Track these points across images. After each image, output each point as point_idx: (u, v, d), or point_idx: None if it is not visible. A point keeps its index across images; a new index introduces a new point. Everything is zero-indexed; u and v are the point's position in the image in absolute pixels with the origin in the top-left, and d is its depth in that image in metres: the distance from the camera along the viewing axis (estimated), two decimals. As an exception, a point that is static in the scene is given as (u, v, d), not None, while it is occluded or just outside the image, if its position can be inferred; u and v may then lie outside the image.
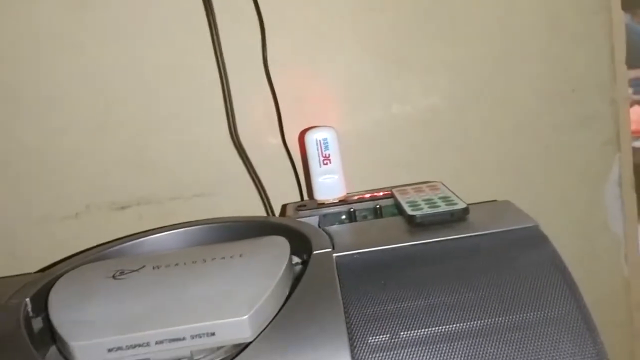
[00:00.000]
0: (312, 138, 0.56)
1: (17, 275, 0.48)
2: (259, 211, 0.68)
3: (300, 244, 0.47)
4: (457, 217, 0.46)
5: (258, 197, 0.69)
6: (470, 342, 0.37)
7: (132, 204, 0.71)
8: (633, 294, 0.75)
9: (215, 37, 0.64)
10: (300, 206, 0.58)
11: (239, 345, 0.39)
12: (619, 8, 0.68)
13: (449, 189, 0.53)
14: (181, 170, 0.69)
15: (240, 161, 0.67)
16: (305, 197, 0.68)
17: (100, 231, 0.71)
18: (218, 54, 0.64)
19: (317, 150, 0.56)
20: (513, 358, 0.36)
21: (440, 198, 0.49)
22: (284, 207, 0.64)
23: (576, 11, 0.68)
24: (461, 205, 0.47)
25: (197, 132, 0.67)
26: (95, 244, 0.62)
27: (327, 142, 0.55)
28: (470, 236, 0.44)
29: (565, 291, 0.38)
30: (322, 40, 0.66)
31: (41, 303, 0.44)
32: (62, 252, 0.69)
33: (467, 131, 0.69)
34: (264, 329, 0.39)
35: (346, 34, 0.66)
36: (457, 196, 0.50)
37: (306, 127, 0.64)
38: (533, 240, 0.42)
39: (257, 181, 0.63)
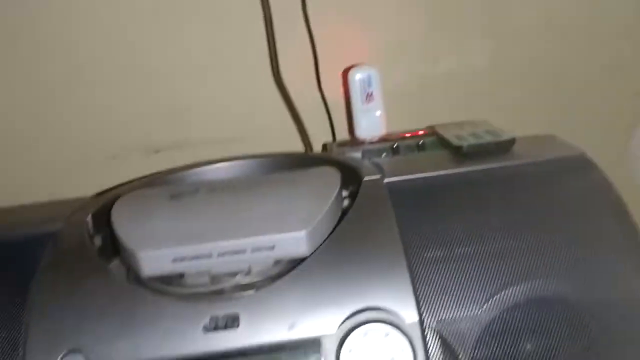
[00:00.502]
0: (355, 75, 0.57)
1: (73, 199, 0.50)
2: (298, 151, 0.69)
3: (348, 175, 0.48)
4: (503, 148, 0.47)
5: (295, 142, 0.71)
6: (517, 258, 0.39)
7: (166, 147, 0.72)
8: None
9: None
10: (342, 144, 0.60)
11: (295, 261, 0.41)
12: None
13: (490, 124, 0.54)
14: (217, 115, 0.71)
15: (276, 106, 0.69)
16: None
17: (136, 173, 0.73)
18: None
19: (360, 87, 0.57)
20: (560, 272, 0.38)
21: (485, 131, 0.50)
22: (324, 146, 0.65)
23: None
24: (507, 136, 0.48)
25: (235, 77, 0.69)
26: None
27: (370, 80, 0.56)
28: (518, 164, 0.45)
29: (615, 210, 0.40)
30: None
31: (100, 222, 0.46)
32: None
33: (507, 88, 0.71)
34: (320, 244, 0.41)
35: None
36: (500, 129, 0.51)
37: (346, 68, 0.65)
38: (581, 166, 0.44)
39: (298, 121, 0.64)
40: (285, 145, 0.70)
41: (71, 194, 0.72)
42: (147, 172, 0.69)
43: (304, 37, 0.66)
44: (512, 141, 0.48)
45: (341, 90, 0.68)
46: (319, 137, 0.71)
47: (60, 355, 0.36)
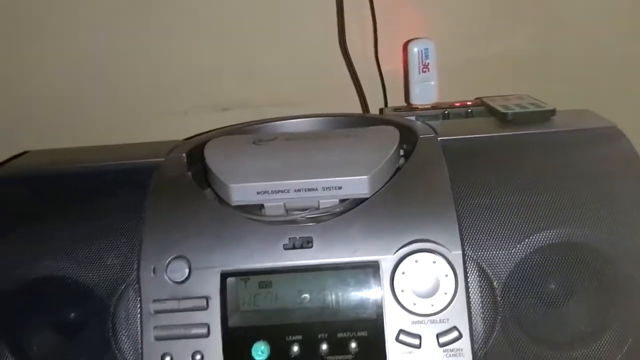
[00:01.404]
0: (414, 47, 0.64)
1: (166, 141, 0.59)
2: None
3: (405, 133, 0.55)
4: (544, 116, 0.54)
5: (353, 106, 0.77)
6: (549, 208, 0.46)
7: (233, 106, 0.80)
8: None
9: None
10: (397, 109, 0.66)
11: (357, 201, 0.48)
12: None
13: (534, 98, 0.60)
14: (283, 78, 0.78)
15: (339, 72, 0.75)
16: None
17: (204, 129, 0.81)
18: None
19: (418, 58, 0.63)
20: (586, 221, 0.45)
21: (529, 102, 0.57)
22: (381, 110, 0.72)
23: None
24: (548, 107, 0.55)
25: (303, 43, 0.76)
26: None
27: (427, 52, 0.63)
28: (556, 131, 0.52)
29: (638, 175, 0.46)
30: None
31: (193, 159, 0.54)
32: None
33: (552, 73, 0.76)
34: (380, 188, 0.48)
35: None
36: (543, 102, 0.57)
37: (404, 42, 0.71)
38: (611, 135, 0.50)
39: (358, 87, 0.71)
40: (345, 108, 0.77)
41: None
42: (215, 128, 0.77)
43: (368, 11, 0.72)
44: (552, 111, 0.54)
45: (396, 62, 0.75)
46: (373, 104, 0.78)
47: (168, 260, 0.45)
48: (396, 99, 0.76)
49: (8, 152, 0.67)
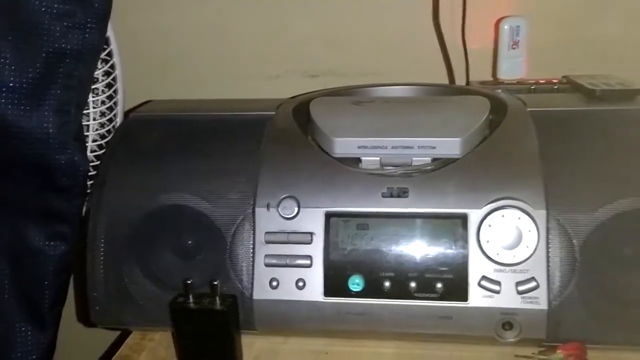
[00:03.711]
0: (506, 24, 0.67)
1: (273, 99, 0.65)
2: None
3: (495, 105, 0.59)
4: (631, 95, 0.57)
5: (439, 80, 0.81)
6: (629, 178, 0.49)
7: (322, 74, 0.86)
8: None
9: None
10: (484, 82, 0.70)
11: (448, 161, 0.53)
12: None
13: (620, 79, 0.63)
14: (373, 49, 0.82)
15: (429, 48, 0.79)
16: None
17: (294, 93, 0.87)
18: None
19: (509, 35, 0.67)
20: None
21: (615, 82, 0.60)
22: (467, 83, 0.76)
23: None
24: (635, 86, 0.57)
25: (396, 16, 0.80)
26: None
27: (518, 29, 0.67)
28: (641, 109, 0.55)
29: None
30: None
31: (298, 115, 0.60)
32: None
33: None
34: (471, 150, 0.53)
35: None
36: (629, 82, 0.60)
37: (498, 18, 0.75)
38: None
39: (448, 61, 0.75)
40: (431, 80, 0.81)
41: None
42: (304, 92, 0.83)
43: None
44: (638, 90, 0.57)
45: (483, 40, 0.78)
46: (458, 78, 0.81)
47: (280, 198, 0.52)
48: (479, 77, 0.80)
49: (132, 102, 0.76)
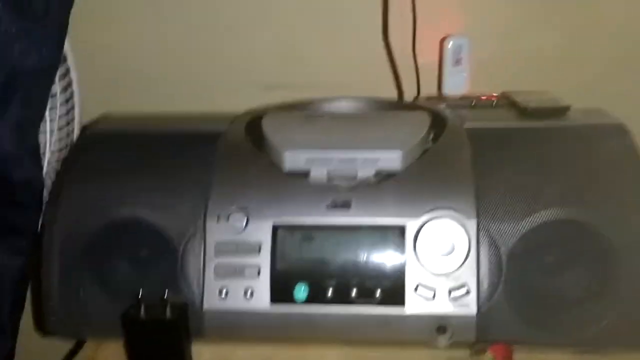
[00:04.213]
0: (449, 42, 0.71)
1: (227, 112, 0.67)
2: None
3: (436, 119, 0.62)
4: (560, 112, 0.61)
5: (389, 93, 0.85)
6: (554, 189, 0.53)
7: (278, 87, 0.88)
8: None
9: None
10: (430, 98, 0.74)
11: (391, 173, 0.56)
12: None
13: (554, 95, 0.67)
14: (328, 64, 0.85)
15: (379, 62, 0.83)
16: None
17: (250, 105, 0.87)
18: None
19: (452, 52, 0.71)
20: (584, 203, 0.52)
21: (547, 99, 0.64)
22: (415, 98, 0.80)
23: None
24: (564, 103, 0.62)
25: (348, 33, 0.83)
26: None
27: (461, 47, 0.71)
28: (568, 125, 0.59)
29: (636, 168, 0.53)
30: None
31: (251, 129, 0.62)
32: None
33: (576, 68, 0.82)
34: (411, 163, 0.56)
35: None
36: (561, 99, 0.64)
37: (442, 36, 0.78)
38: (617, 132, 0.57)
39: (396, 76, 0.78)
40: (381, 95, 0.85)
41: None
42: (261, 105, 0.85)
43: (409, 5, 0.79)
44: (567, 108, 0.61)
45: (432, 55, 0.82)
46: (408, 92, 0.85)
47: (231, 210, 0.55)
48: (428, 90, 0.84)
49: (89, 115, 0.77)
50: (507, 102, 0.69)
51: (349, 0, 0.83)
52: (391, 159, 0.56)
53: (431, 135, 0.61)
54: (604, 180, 0.54)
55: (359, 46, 0.84)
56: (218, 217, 0.55)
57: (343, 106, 0.69)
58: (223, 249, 0.54)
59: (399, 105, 0.68)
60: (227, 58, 0.86)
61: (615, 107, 0.65)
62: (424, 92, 0.83)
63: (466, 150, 0.56)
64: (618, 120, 0.59)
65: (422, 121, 0.61)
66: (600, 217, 0.52)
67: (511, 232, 0.53)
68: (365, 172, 0.57)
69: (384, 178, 0.56)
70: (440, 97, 0.74)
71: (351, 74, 0.85)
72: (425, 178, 0.55)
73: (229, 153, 0.59)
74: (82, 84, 0.70)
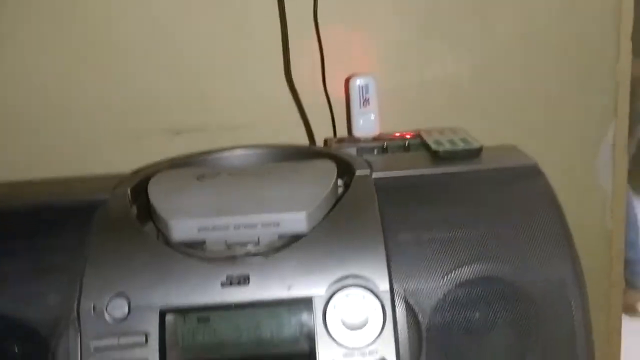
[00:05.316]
0: (355, 82, 0.67)
1: (113, 174, 0.60)
2: (303, 144, 0.79)
3: (344, 168, 0.58)
4: (472, 154, 0.57)
5: (299, 133, 0.80)
6: (471, 244, 0.49)
7: (186, 130, 0.82)
8: (614, 245, 0.87)
9: None
10: (340, 140, 0.69)
11: (295, 236, 0.50)
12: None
13: (467, 132, 0.64)
14: (233, 105, 0.80)
15: (286, 101, 0.78)
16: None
17: (158, 153, 0.80)
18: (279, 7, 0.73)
19: (359, 93, 0.66)
20: (503, 256, 0.49)
21: (459, 139, 0.60)
22: (325, 141, 0.75)
23: None
24: (476, 145, 0.58)
25: (252, 73, 0.78)
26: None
27: (367, 87, 0.66)
28: (481, 169, 0.55)
29: (553, 211, 0.50)
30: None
31: (138, 194, 0.55)
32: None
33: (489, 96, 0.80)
34: (317, 224, 0.51)
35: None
36: (473, 138, 0.61)
37: (349, 75, 0.74)
38: (531, 174, 0.54)
39: (304, 116, 0.73)
40: (292, 135, 0.80)
41: (99, 170, 0.81)
42: (168, 152, 0.78)
43: (314, 43, 0.75)
44: (479, 149, 0.58)
45: (343, 92, 0.78)
46: (322, 131, 0.80)
47: (108, 297, 0.47)
48: (344, 128, 0.80)
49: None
50: (420, 142, 0.65)
51: (252, 41, 0.78)
52: (295, 221, 0.50)
53: (338, 189, 0.56)
54: (520, 228, 0.50)
55: (265, 86, 0.79)
56: (94, 307, 0.47)
57: (241, 156, 0.63)
58: (102, 344, 0.46)
59: (303, 152, 0.62)
60: (128, 101, 0.78)
61: (524, 136, 0.64)
62: (340, 130, 0.79)
63: (374, 206, 0.51)
64: (531, 159, 0.57)
65: (328, 174, 0.55)
66: (519, 271, 0.48)
67: (428, 295, 0.48)
68: (267, 237, 0.51)
69: (289, 243, 0.50)
70: (351, 139, 0.69)
71: (261, 114, 0.80)
72: (332, 241, 0.49)
73: (108, 228, 0.51)
74: None
